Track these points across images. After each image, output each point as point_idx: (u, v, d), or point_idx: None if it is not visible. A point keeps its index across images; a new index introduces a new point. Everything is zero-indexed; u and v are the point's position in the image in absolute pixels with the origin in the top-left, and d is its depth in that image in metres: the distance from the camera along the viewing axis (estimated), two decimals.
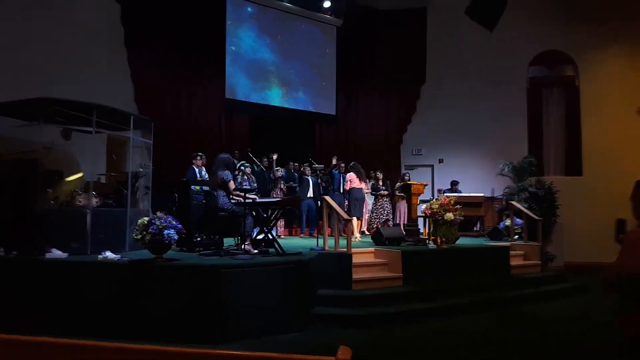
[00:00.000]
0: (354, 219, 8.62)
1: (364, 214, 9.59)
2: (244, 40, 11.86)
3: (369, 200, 9.87)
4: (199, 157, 7.87)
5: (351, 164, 9.30)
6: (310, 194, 9.58)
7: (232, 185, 5.87)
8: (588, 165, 12.49)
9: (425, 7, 13.09)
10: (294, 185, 9.77)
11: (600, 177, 12.13)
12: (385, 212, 9.41)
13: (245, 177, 7.66)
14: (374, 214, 9.53)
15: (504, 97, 12.58)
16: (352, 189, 9.03)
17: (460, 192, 10.79)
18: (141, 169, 7.12)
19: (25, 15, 8.49)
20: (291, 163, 10.15)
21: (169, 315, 4.77)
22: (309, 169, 9.78)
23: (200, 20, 10.92)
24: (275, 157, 9.87)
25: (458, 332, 5.29)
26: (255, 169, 9.38)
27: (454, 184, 11.08)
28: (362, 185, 9.15)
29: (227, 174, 5.88)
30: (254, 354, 1.68)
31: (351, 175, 9.06)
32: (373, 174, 9.90)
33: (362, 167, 9.41)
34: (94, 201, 6.18)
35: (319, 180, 9.79)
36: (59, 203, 6.22)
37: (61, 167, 6.76)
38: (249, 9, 11.92)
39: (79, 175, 6.78)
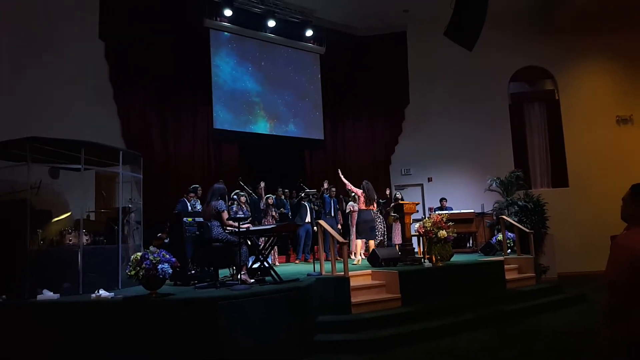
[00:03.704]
0: (358, 241, 8.53)
1: (377, 236, 9.08)
2: (223, 69, 11.64)
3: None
4: (192, 194, 7.80)
5: (363, 183, 8.47)
6: (308, 218, 9.55)
7: (225, 215, 5.82)
8: (573, 176, 12.74)
9: (405, 31, 13.41)
10: (285, 211, 9.75)
11: (585, 187, 12.39)
12: (380, 232, 9.38)
13: (241, 205, 7.62)
14: None
15: (487, 114, 12.86)
16: (360, 210, 8.43)
17: (451, 208, 10.86)
18: (130, 205, 7.05)
19: (6, 55, 8.49)
20: (280, 189, 10.15)
21: (167, 351, 4.65)
22: (303, 194, 9.79)
23: (185, 52, 11.01)
24: (262, 185, 9.86)
25: (460, 351, 5.23)
26: (247, 197, 9.34)
27: (443, 200, 11.19)
28: (371, 208, 8.50)
29: (220, 203, 5.84)
30: None
31: (361, 194, 8.37)
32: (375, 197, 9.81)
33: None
34: (85, 239, 6.09)
35: (312, 205, 9.77)
36: (48, 243, 6.12)
37: (49, 206, 6.67)
38: (226, 33, 11.85)
39: (67, 214, 6.68)
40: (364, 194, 8.36)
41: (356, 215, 8.87)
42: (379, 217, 9.77)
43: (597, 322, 2.37)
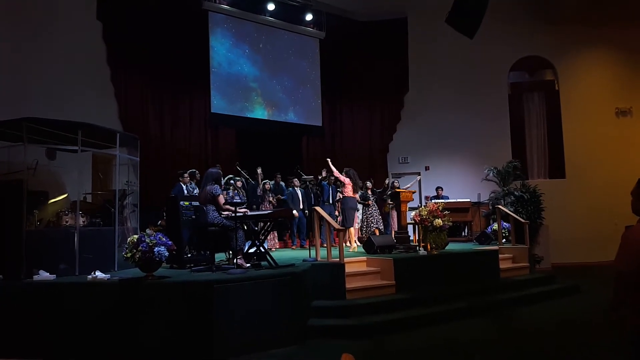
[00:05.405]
0: (351, 229, 8.59)
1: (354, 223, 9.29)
2: (218, 51, 11.46)
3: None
4: (185, 175, 7.83)
5: (345, 170, 8.57)
6: (300, 205, 9.58)
7: (221, 199, 5.83)
8: (570, 167, 12.75)
9: (406, 17, 13.29)
10: (282, 197, 9.77)
11: (582, 179, 12.41)
12: (375, 220, 9.42)
13: (236, 191, 7.62)
14: (365, 223, 9.57)
15: (487, 103, 12.81)
16: (346, 197, 8.48)
17: (447, 197, 10.89)
18: (127, 188, 7.05)
19: (4, 34, 8.39)
20: (278, 175, 10.15)
21: (162, 333, 4.70)
22: (297, 180, 9.78)
23: (183, 34, 10.90)
24: (259, 171, 9.86)
25: (453, 339, 5.29)
26: (244, 182, 9.33)
27: (439, 189, 11.24)
28: (356, 195, 8.69)
29: (215, 188, 5.84)
30: None
31: (348, 183, 8.41)
32: (362, 184, 9.89)
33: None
34: (81, 221, 6.10)
35: (309, 191, 9.77)
36: (44, 224, 6.12)
37: (46, 188, 6.67)
38: (222, 14, 11.67)
39: (64, 196, 6.68)
40: (351, 182, 8.39)
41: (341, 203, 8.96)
42: (374, 205, 9.80)
43: (604, 311, 2.39)
